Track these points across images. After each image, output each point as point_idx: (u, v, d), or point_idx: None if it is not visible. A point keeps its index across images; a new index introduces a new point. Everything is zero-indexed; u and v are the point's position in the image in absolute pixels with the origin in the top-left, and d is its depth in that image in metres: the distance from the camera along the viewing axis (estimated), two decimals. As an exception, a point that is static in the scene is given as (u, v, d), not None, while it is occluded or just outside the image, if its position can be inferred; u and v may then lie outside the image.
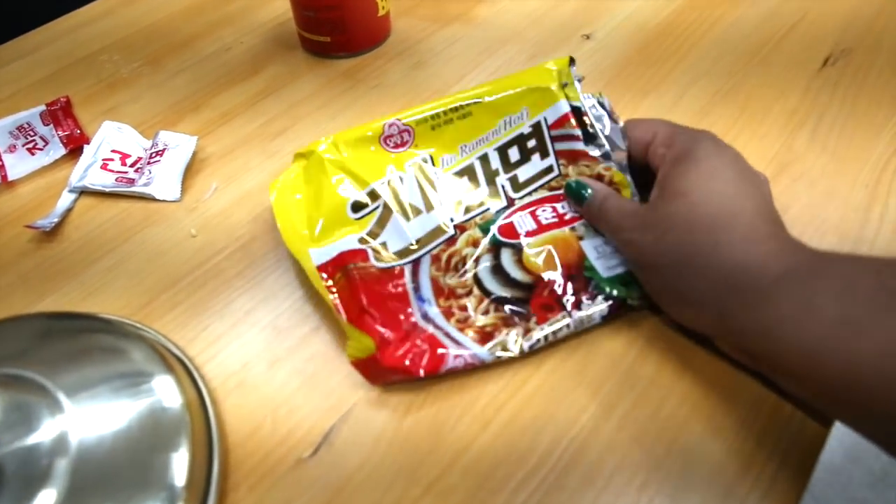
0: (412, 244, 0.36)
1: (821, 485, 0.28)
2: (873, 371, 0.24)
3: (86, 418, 0.27)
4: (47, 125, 0.48)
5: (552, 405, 0.31)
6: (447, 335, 0.33)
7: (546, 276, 0.34)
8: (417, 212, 0.36)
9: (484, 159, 0.38)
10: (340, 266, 0.35)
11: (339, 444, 0.31)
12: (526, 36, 0.54)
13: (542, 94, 0.38)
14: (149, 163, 0.44)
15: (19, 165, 0.46)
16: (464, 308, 0.34)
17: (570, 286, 0.34)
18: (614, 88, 0.48)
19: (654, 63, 0.50)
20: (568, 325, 0.33)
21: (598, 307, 0.33)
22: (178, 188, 0.43)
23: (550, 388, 0.32)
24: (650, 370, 0.32)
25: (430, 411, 0.31)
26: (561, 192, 0.37)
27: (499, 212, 0.37)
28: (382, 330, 0.32)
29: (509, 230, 0.36)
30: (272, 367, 0.34)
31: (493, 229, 0.36)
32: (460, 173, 0.38)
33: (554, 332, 0.33)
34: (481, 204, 0.37)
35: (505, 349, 0.32)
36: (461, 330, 0.33)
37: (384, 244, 0.36)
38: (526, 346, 0.32)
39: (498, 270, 0.35)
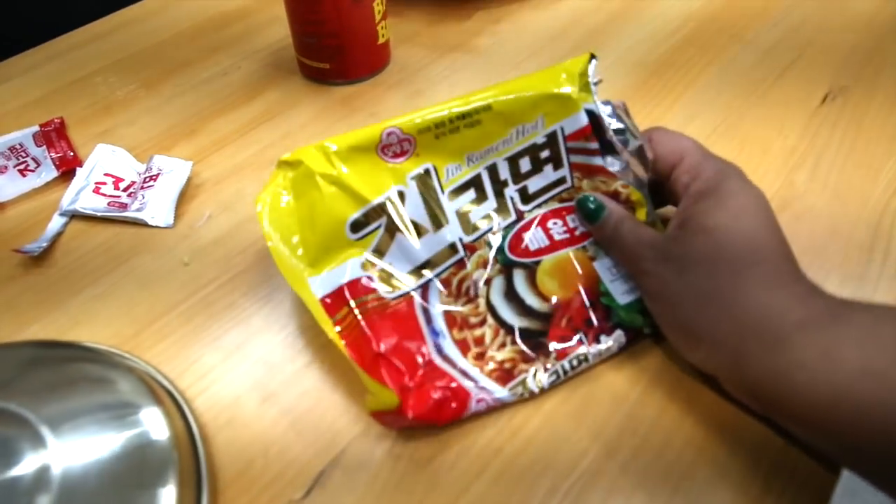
0: (420, 266, 0.33)
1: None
2: (895, 422, 0.24)
3: (70, 452, 0.26)
4: (40, 146, 0.47)
5: (552, 448, 0.30)
6: (466, 375, 0.31)
7: (563, 303, 0.33)
8: (424, 231, 0.34)
9: (492, 169, 0.35)
10: (345, 301, 0.32)
11: (332, 486, 0.30)
12: (525, 68, 0.54)
13: (562, 102, 0.34)
14: (142, 187, 0.44)
15: (10, 187, 0.45)
16: (479, 341, 0.33)
17: (587, 316, 0.33)
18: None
19: (654, 98, 0.50)
20: (587, 359, 0.32)
21: (617, 339, 0.33)
22: (171, 214, 0.42)
23: (551, 430, 0.31)
24: (653, 411, 0.31)
25: (425, 454, 0.30)
26: (572, 203, 0.35)
27: (507, 227, 0.35)
28: (400, 377, 0.31)
29: (520, 247, 0.34)
30: (264, 403, 0.33)
31: (504, 247, 0.34)
32: (466, 185, 0.35)
33: (573, 367, 0.32)
34: (489, 219, 0.35)
35: (526, 388, 0.32)
36: (480, 368, 0.32)
37: (389, 266, 0.33)
38: (546, 383, 0.32)
39: (512, 296, 0.34)
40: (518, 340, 0.33)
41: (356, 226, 0.33)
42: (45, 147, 0.47)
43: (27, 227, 0.43)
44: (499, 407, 0.32)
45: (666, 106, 0.49)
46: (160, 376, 0.33)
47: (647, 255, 0.32)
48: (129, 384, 0.30)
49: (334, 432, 0.31)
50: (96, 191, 0.44)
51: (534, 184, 0.35)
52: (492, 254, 0.34)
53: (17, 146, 0.47)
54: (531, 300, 0.33)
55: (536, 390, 0.32)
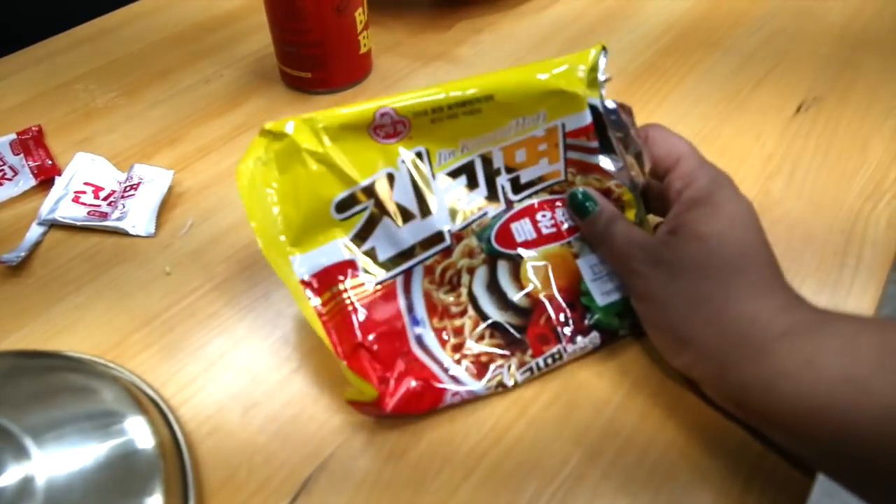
0: (405, 252, 0.33)
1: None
2: (875, 430, 0.24)
3: (54, 462, 0.26)
4: (17, 154, 0.47)
5: (536, 452, 0.31)
6: (443, 368, 0.32)
7: (543, 300, 0.34)
8: (411, 216, 0.33)
9: (486, 157, 0.34)
10: (328, 284, 0.32)
11: (318, 493, 0.30)
12: (507, 76, 0.54)
13: (567, 99, 0.33)
14: (123, 196, 0.43)
15: (-14, 196, 0.45)
16: (459, 331, 0.33)
17: (566, 315, 0.33)
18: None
19: (635, 105, 0.49)
20: (562, 357, 0.33)
21: (592, 340, 0.33)
22: (152, 223, 0.42)
23: (535, 434, 0.31)
24: (635, 416, 0.32)
25: (411, 459, 0.31)
26: (562, 196, 0.35)
27: (496, 217, 0.34)
28: (380, 370, 0.31)
29: (507, 238, 0.34)
30: (249, 411, 0.32)
31: (491, 237, 0.34)
32: (458, 171, 0.34)
33: (547, 364, 0.33)
34: (479, 208, 0.34)
35: (500, 384, 0.32)
36: (457, 361, 0.32)
37: (373, 250, 0.33)
38: (520, 378, 0.33)
39: (494, 289, 0.34)
40: (496, 334, 0.33)
41: (341, 206, 0.32)
42: (22, 155, 0.47)
43: (5, 236, 0.42)
44: (473, 400, 0.32)
45: (647, 113, 0.49)
46: (144, 385, 0.33)
47: (638, 255, 0.32)
48: (112, 393, 0.29)
49: (319, 439, 0.31)
50: (76, 200, 0.44)
51: (527, 174, 0.35)
52: (479, 247, 0.34)
53: (-6, 154, 0.47)
54: (512, 294, 0.34)
55: (510, 384, 0.32)
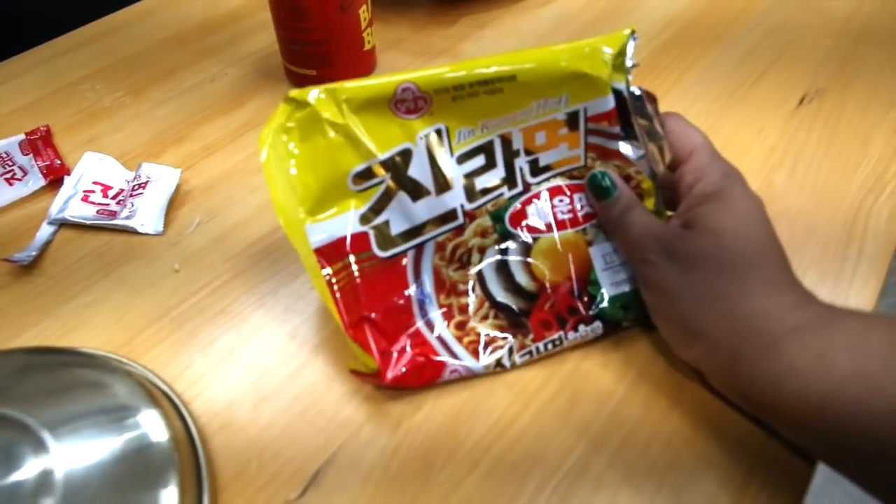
0: (417, 227, 0.33)
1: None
2: (883, 426, 0.25)
3: (71, 455, 0.27)
4: (27, 155, 0.47)
5: (541, 444, 0.31)
6: (445, 345, 0.33)
7: (550, 286, 0.34)
8: (426, 192, 0.33)
9: (506, 138, 0.34)
10: (341, 255, 0.32)
11: (327, 486, 0.30)
12: (510, 71, 0.54)
13: (590, 83, 0.33)
14: (131, 195, 0.44)
15: (-3, 196, 0.45)
16: (464, 309, 0.33)
17: (572, 304, 0.34)
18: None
19: None
20: (561, 343, 0.34)
21: (594, 330, 0.34)
22: (160, 222, 0.43)
23: (539, 427, 0.32)
24: (639, 407, 0.32)
25: (418, 452, 0.31)
26: (580, 182, 0.35)
27: (512, 198, 0.34)
28: (383, 343, 0.32)
29: (521, 221, 0.34)
30: (258, 407, 0.33)
31: (505, 218, 0.34)
32: (476, 150, 0.34)
33: (546, 348, 0.33)
34: (495, 188, 0.34)
35: (499, 364, 0.33)
36: (459, 339, 0.33)
37: (386, 223, 0.33)
38: (519, 360, 0.33)
39: (503, 271, 0.34)
40: (500, 315, 0.34)
41: (358, 178, 0.32)
42: (31, 155, 0.47)
43: (16, 236, 0.43)
44: (470, 377, 0.33)
45: (648, 109, 0.50)
46: (157, 380, 0.33)
47: (652, 246, 0.32)
48: (126, 387, 0.30)
49: (328, 433, 0.32)
50: (85, 199, 0.44)
51: (546, 157, 0.35)
52: (493, 227, 0.34)
53: (3, 155, 0.47)
54: (521, 277, 0.34)
55: (508, 366, 0.33)
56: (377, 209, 0.33)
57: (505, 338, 0.33)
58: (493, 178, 0.34)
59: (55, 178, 0.46)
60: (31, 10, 0.68)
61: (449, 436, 0.32)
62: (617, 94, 0.33)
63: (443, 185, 0.33)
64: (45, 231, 0.42)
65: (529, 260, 0.34)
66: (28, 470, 0.26)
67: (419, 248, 0.33)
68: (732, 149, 0.46)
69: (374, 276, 0.32)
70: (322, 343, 0.36)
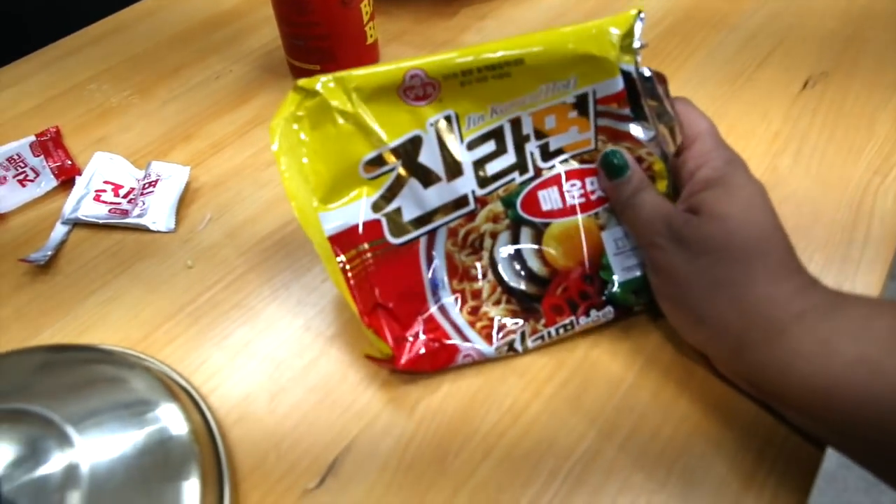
0: (429, 213, 0.33)
1: (817, 492, 0.29)
2: (886, 410, 0.25)
3: (95, 449, 0.27)
4: (38, 156, 0.48)
5: (553, 431, 0.32)
6: (457, 329, 0.34)
7: (562, 272, 0.34)
8: (437, 179, 0.33)
9: (515, 122, 0.34)
10: (354, 242, 0.33)
11: (344, 475, 0.31)
12: (513, 62, 0.55)
13: (598, 65, 0.33)
14: (142, 193, 0.44)
15: (10, 198, 0.46)
16: (476, 294, 0.34)
17: (583, 289, 0.34)
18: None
19: None
20: (573, 327, 0.34)
21: (605, 315, 0.34)
22: (172, 219, 0.43)
23: (551, 414, 0.32)
24: (649, 392, 0.33)
25: (433, 440, 0.32)
26: (592, 166, 0.35)
27: (523, 183, 0.34)
28: (397, 329, 0.33)
29: (533, 206, 0.34)
30: (274, 399, 0.34)
31: (517, 203, 0.34)
32: (486, 136, 0.34)
33: (558, 333, 0.34)
34: (506, 173, 0.34)
35: (511, 349, 0.34)
36: (471, 324, 0.34)
37: (398, 210, 0.33)
38: (531, 345, 0.34)
39: (515, 256, 0.34)
40: (513, 300, 0.34)
41: (369, 165, 0.33)
42: (42, 157, 0.48)
43: (30, 236, 0.44)
44: (482, 361, 0.34)
45: (652, 96, 0.50)
46: (175, 374, 0.34)
47: (662, 230, 0.32)
48: (145, 383, 0.31)
49: (344, 423, 0.33)
50: (97, 198, 0.45)
51: (557, 141, 0.35)
52: (504, 213, 0.34)
53: (15, 157, 0.48)
54: (533, 263, 0.34)
55: (521, 351, 0.34)
56: (389, 196, 0.33)
57: (517, 322, 0.34)
58: (503, 163, 0.34)
59: (67, 178, 0.47)
60: (35, 11, 0.68)
61: (463, 423, 0.32)
62: (626, 75, 0.33)
63: (454, 171, 0.33)
64: (59, 231, 0.43)
65: (541, 246, 0.35)
66: (54, 464, 0.26)
67: (431, 235, 0.34)
68: (737, 134, 0.46)
69: (388, 262, 0.33)
70: (336, 334, 0.36)
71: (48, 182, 0.47)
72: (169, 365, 0.35)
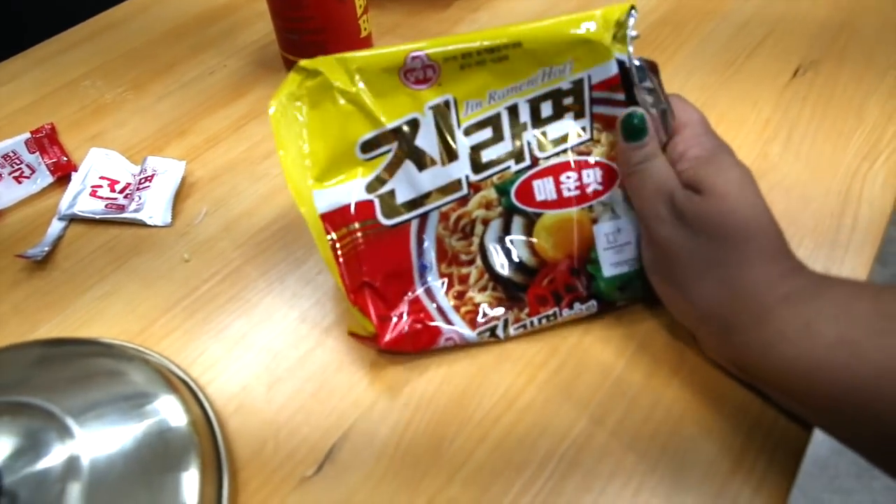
0: (422, 196, 0.34)
1: (809, 478, 0.30)
2: (869, 391, 0.25)
3: (96, 441, 0.28)
4: (33, 153, 0.48)
5: (547, 416, 0.32)
6: (442, 313, 0.34)
7: (550, 263, 0.35)
8: (432, 162, 0.34)
9: (513, 110, 0.34)
10: (346, 221, 0.33)
11: (341, 462, 0.31)
12: (506, 53, 0.55)
13: (593, 49, 0.33)
14: (138, 188, 0.45)
15: (7, 194, 0.46)
16: (464, 279, 0.35)
17: (570, 282, 0.35)
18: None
19: None
20: (556, 318, 0.35)
21: (589, 308, 0.35)
22: (168, 213, 0.44)
23: (544, 400, 0.33)
24: (640, 377, 0.33)
25: (428, 426, 0.32)
26: (588, 158, 0.35)
27: (519, 172, 0.35)
28: (382, 309, 0.33)
29: (527, 195, 0.35)
30: (271, 389, 0.34)
31: (511, 191, 0.34)
32: (484, 122, 0.34)
33: (541, 322, 0.35)
34: (502, 161, 0.34)
35: (493, 335, 0.34)
36: (456, 308, 0.34)
37: (392, 192, 0.34)
38: (513, 332, 0.35)
39: (505, 244, 0.35)
40: (499, 288, 0.35)
41: (367, 146, 0.33)
42: (38, 153, 0.48)
43: (27, 232, 0.44)
44: (470, 347, 0.35)
45: (643, 86, 0.50)
46: (173, 366, 0.34)
47: (666, 201, 0.32)
48: (144, 375, 0.31)
49: (340, 412, 0.33)
50: (93, 194, 0.45)
51: (553, 130, 0.35)
52: (498, 200, 0.35)
53: (11, 154, 0.48)
54: (522, 252, 0.35)
55: (502, 337, 0.35)
56: (383, 178, 0.34)
57: (503, 309, 0.34)
58: (499, 150, 0.35)
59: (63, 174, 0.47)
60: (29, 8, 0.68)
61: (458, 410, 0.33)
62: (619, 64, 0.34)
63: (449, 156, 0.34)
64: (55, 227, 0.43)
65: (531, 237, 0.35)
66: (55, 456, 0.27)
67: (423, 218, 0.34)
68: (728, 122, 0.46)
69: (378, 243, 0.34)
70: (331, 325, 0.37)
71: (44, 178, 0.47)
72: (167, 357, 0.35)
